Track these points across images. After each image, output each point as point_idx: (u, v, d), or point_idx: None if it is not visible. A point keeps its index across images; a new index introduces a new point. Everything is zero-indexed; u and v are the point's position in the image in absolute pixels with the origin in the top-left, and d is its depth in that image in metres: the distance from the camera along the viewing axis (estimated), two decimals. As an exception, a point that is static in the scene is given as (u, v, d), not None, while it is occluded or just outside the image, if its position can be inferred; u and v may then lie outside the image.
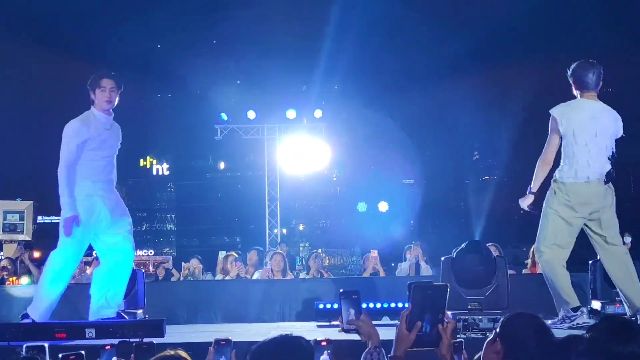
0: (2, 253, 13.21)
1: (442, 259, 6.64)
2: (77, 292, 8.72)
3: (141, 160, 50.96)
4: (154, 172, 51.47)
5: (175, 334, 6.21)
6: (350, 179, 42.44)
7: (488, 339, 3.51)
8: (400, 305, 7.54)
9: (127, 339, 5.03)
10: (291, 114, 19.16)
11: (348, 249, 33.68)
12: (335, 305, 7.34)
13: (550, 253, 6.71)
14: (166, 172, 52.38)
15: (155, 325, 5.53)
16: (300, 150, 19.43)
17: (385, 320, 7.65)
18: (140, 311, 7.31)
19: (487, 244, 8.72)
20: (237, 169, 49.70)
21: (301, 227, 50.43)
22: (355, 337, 3.66)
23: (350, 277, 12.44)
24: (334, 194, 47.45)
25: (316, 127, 19.45)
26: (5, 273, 11.27)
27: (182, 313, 8.79)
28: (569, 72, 6.91)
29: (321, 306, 7.55)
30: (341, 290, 3.72)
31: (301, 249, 43.00)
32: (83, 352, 3.85)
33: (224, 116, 19.77)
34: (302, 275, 12.34)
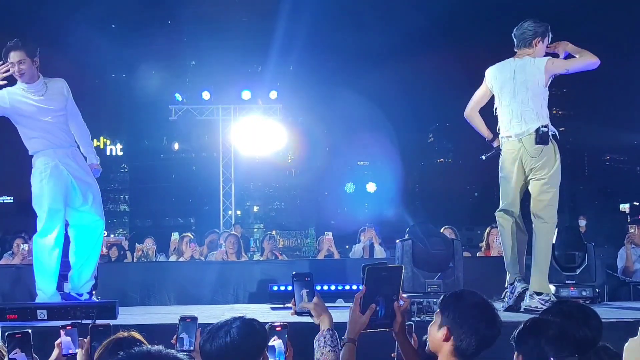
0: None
1: (398, 241, 6.66)
2: (29, 273, 8.63)
3: (94, 140, 50.35)
4: (107, 153, 50.84)
5: (128, 315, 6.17)
6: (304, 161, 42.44)
7: (431, 323, 3.48)
8: (354, 287, 7.56)
9: (79, 321, 4.97)
10: (246, 94, 19.06)
11: (302, 231, 33.70)
12: (290, 288, 7.34)
13: (500, 219, 6.76)
14: (120, 153, 51.84)
15: (107, 307, 5.48)
16: (255, 131, 19.35)
17: (340, 302, 7.68)
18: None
19: (444, 227, 8.78)
20: (191, 150, 49.43)
21: (255, 209, 50.38)
22: (307, 319, 3.65)
23: (304, 258, 12.43)
24: (288, 175, 47.39)
25: (271, 109, 19.38)
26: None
27: (135, 295, 8.74)
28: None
29: (275, 288, 7.54)
30: (294, 273, 3.71)
31: (255, 230, 42.92)
32: (29, 330, 3.81)
33: (179, 97, 19.62)
34: (256, 257, 12.34)
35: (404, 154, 37.81)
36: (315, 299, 3.60)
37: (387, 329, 3.56)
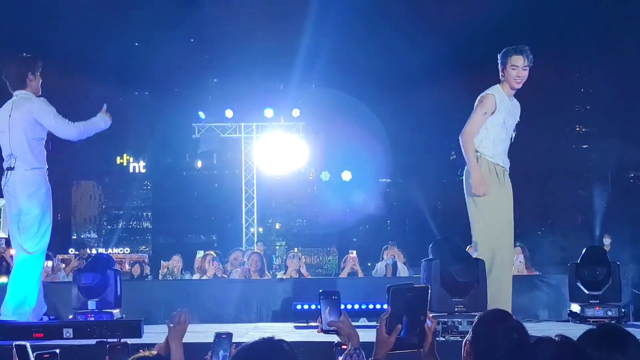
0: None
1: (423, 261, 6.62)
2: (53, 291, 8.68)
3: (118, 158, 50.65)
4: (131, 170, 51.12)
5: (153, 334, 6.18)
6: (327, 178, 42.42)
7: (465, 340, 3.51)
8: (378, 306, 7.55)
9: (105, 339, 5.01)
10: (269, 112, 19.15)
11: (324, 248, 33.67)
12: (313, 306, 7.34)
13: None
14: (142, 170, 52.04)
15: (133, 325, 5.50)
16: (277, 149, 19.42)
17: (363, 321, 7.67)
18: (117, 311, 7.28)
19: (469, 245, 8.73)
20: (214, 167, 49.56)
21: (277, 226, 50.33)
22: (334, 337, 3.66)
23: (327, 277, 12.45)
24: (310, 193, 47.34)
25: (293, 126, 19.46)
26: None
27: (158, 313, 8.74)
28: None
29: (299, 307, 7.54)
30: (321, 291, 3.71)
31: (277, 248, 42.86)
32: (57, 351, 3.84)
33: (202, 115, 19.74)
34: (279, 275, 12.34)
35: (425, 171, 37.72)
36: (342, 318, 3.61)
37: (415, 350, 3.55)
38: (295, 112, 19.30)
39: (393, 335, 3.47)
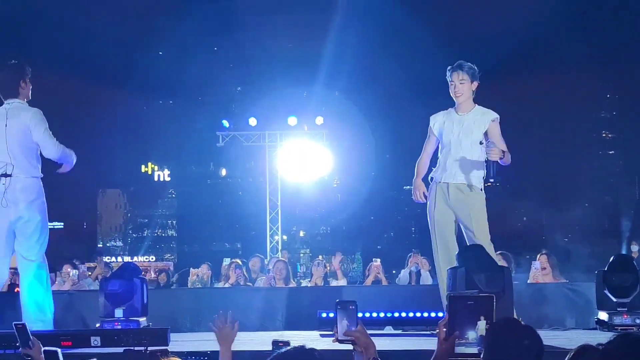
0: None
1: (448, 269, 6.60)
2: (80, 299, 8.74)
3: (142, 166, 50.97)
4: (155, 179, 51.41)
5: (180, 342, 6.20)
6: (350, 185, 42.40)
7: None
8: (403, 314, 7.52)
9: (132, 347, 5.03)
10: (292, 120, 19.18)
11: (348, 256, 33.62)
12: (340, 314, 7.32)
13: None
14: (167, 179, 52.32)
15: (159, 334, 5.53)
16: (301, 156, 19.44)
17: (388, 329, 7.63)
18: (143, 319, 7.30)
19: (497, 252, 8.68)
20: (238, 175, 49.69)
21: (302, 234, 50.37)
22: (349, 347, 3.65)
23: (352, 285, 12.40)
24: (334, 200, 47.30)
25: (317, 134, 19.46)
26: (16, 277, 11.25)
27: (184, 321, 8.76)
28: (473, 74, 7.20)
29: (324, 315, 7.52)
30: (337, 300, 3.72)
31: (302, 255, 42.89)
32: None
33: (226, 123, 19.81)
34: (304, 283, 12.35)
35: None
36: (359, 327, 3.61)
37: (476, 359, 3.55)
38: (319, 120, 19.32)
39: (450, 342, 3.49)
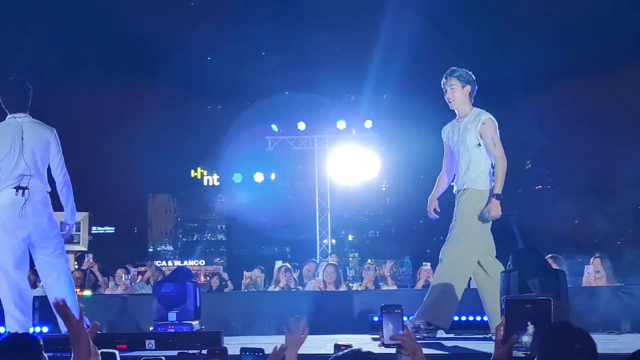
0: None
1: (502, 272, 6.53)
2: (133, 303, 8.84)
3: (192, 171, 51.47)
4: (205, 183, 51.88)
5: (233, 345, 6.22)
6: (399, 189, 42.32)
7: None
8: (455, 318, 7.45)
9: (186, 351, 5.07)
10: (341, 124, 19.16)
11: (397, 259, 33.51)
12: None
13: None
14: (216, 183, 52.74)
15: (213, 337, 5.57)
16: (350, 160, 19.40)
17: (441, 333, 7.59)
18: (196, 322, 7.35)
19: (548, 255, 8.59)
20: (286, 179, 49.91)
21: (350, 238, 50.40)
22: (394, 351, 3.64)
23: (403, 289, 12.34)
24: (383, 204, 47.27)
25: (366, 138, 19.42)
26: None
27: (236, 324, 8.80)
28: (465, 78, 7.04)
29: (376, 318, 7.49)
30: (383, 305, 3.72)
31: (350, 259, 42.90)
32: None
33: (275, 127, 19.86)
34: (355, 287, 12.32)
35: (500, 181, 37.20)
36: (405, 331, 3.60)
37: None
38: (368, 124, 19.28)
39: (507, 346, 3.48)
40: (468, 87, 7.01)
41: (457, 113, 7.10)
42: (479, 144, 6.86)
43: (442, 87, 7.09)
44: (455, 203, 7.03)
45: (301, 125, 19.46)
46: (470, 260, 6.90)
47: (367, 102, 23.79)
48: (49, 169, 7.14)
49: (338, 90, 32.67)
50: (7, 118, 7.12)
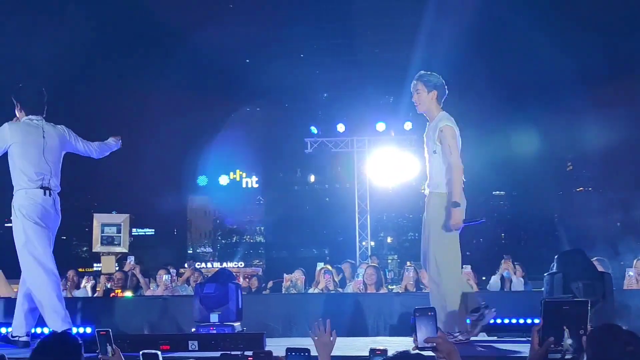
0: (100, 265, 13.48)
1: (546, 275, 6.47)
2: (174, 304, 8.88)
3: (231, 173, 51.64)
4: (244, 185, 52.02)
5: (275, 346, 6.22)
6: (438, 191, 42.11)
7: None
8: (498, 321, 7.39)
9: (229, 352, 5.08)
10: (381, 126, 19.15)
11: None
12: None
13: None
14: (255, 185, 52.88)
15: (255, 338, 5.58)
16: (389, 162, 19.37)
17: (482, 336, 7.53)
18: (237, 324, 7.36)
19: (593, 258, 8.50)
20: (325, 181, 49.93)
21: (389, 240, 50.26)
22: (429, 354, 3.61)
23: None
24: (422, 206, 47.16)
25: (405, 140, 19.37)
26: (111, 283, 11.53)
27: (277, 326, 8.80)
28: (432, 83, 7.02)
29: (418, 321, 7.43)
30: (416, 307, 3.70)
31: (389, 261, 42.77)
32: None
33: (314, 130, 19.89)
34: (396, 289, 12.28)
35: (541, 183, 36.96)
36: (440, 333, 3.59)
37: None
38: (408, 125, 19.23)
39: (543, 348, 3.45)
40: (434, 92, 7.01)
41: (426, 117, 7.13)
42: (435, 151, 6.92)
43: (411, 90, 7.10)
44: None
45: (340, 127, 19.49)
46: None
47: (406, 103, 23.64)
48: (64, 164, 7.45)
49: (377, 92, 32.56)
50: (23, 120, 7.39)
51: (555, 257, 6.48)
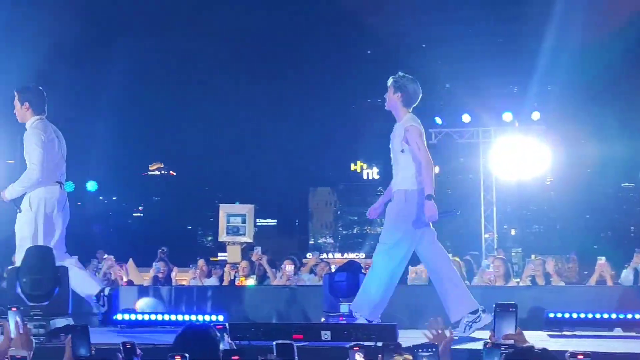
0: (225, 254, 13.74)
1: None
2: (300, 294, 9.00)
3: (352, 164, 51.93)
4: (364, 177, 52.21)
5: (406, 338, 6.19)
6: (565, 183, 41.12)
7: None
8: (629, 316, 7.12)
9: (361, 342, 5.08)
10: (507, 116, 18.77)
11: (563, 255, 32.57)
12: (567, 315, 7.08)
13: None
14: (376, 177, 52.97)
15: (388, 329, 5.57)
16: (516, 153, 18.95)
17: (618, 331, 7.29)
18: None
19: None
20: (447, 172, 49.48)
21: (513, 232, 49.44)
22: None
23: (576, 285, 11.99)
24: (547, 198, 46.05)
25: (532, 129, 18.92)
26: (236, 272, 11.74)
27: (403, 317, 8.76)
28: (398, 85, 7.10)
29: (551, 315, 7.25)
30: (497, 303, 3.63)
31: (513, 255, 42.08)
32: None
33: (439, 120, 19.68)
34: (520, 282, 12.07)
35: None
36: (517, 330, 3.53)
37: None
38: (535, 115, 18.77)
39: None
40: (399, 94, 7.13)
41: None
42: (402, 150, 7.05)
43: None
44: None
45: (466, 118, 19.21)
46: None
47: (532, 93, 23.14)
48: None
49: (500, 81, 32.09)
50: (36, 119, 7.51)
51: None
